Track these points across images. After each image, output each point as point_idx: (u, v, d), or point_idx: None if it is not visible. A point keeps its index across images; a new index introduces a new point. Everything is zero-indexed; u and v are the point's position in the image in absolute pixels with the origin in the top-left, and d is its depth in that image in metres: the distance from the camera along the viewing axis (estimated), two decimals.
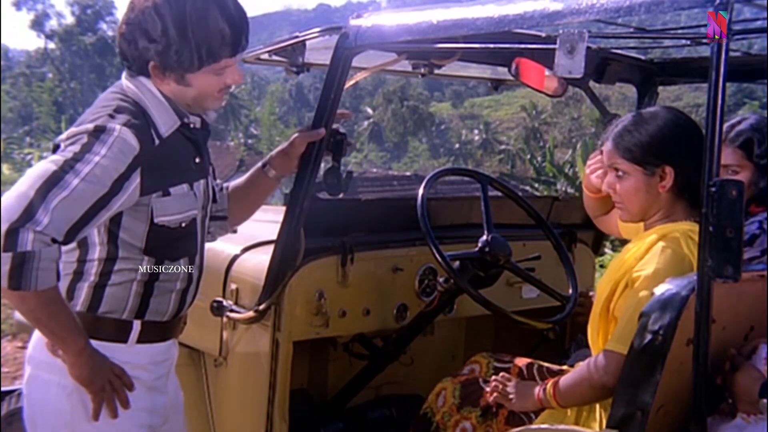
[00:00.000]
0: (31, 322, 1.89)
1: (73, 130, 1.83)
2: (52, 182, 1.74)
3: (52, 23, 53.87)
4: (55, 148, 1.83)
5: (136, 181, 1.84)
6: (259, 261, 2.41)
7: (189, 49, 1.85)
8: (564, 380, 2.05)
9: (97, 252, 1.92)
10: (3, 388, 3.23)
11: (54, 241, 1.75)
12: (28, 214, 1.70)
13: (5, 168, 28.42)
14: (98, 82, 46.14)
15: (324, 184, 2.28)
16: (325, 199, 2.37)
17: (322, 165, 2.31)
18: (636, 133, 2.03)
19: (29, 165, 30.82)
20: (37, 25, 53.81)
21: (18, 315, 3.44)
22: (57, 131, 35.67)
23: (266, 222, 2.44)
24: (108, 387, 1.92)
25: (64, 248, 1.86)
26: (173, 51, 1.85)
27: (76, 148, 1.78)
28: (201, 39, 1.85)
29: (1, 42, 49.57)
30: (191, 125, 2.00)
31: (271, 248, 2.30)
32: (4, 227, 1.69)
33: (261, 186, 2.27)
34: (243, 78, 2.02)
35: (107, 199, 1.80)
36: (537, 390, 2.11)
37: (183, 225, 1.98)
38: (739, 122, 2.49)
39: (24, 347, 6.64)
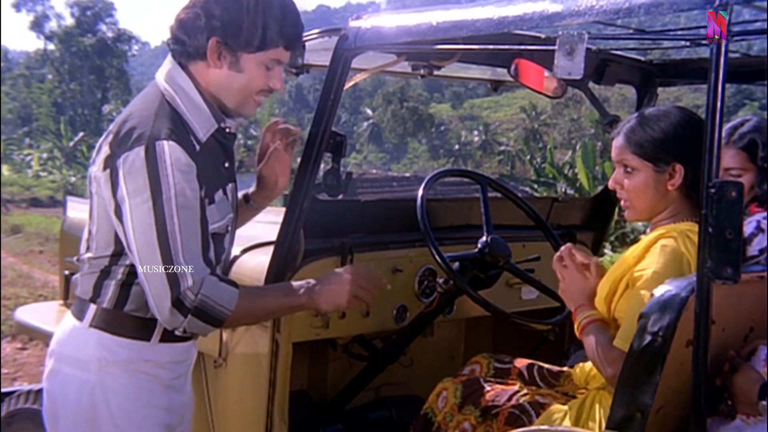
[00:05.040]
0: (263, 321, 2.25)
1: (127, 154, 1.81)
2: (163, 240, 1.81)
3: (52, 24, 53.81)
4: (106, 166, 1.84)
5: (202, 192, 1.89)
6: (259, 262, 2.41)
7: (254, 26, 1.88)
8: (588, 339, 1.99)
9: (129, 257, 1.92)
10: (3, 390, 3.23)
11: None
12: (174, 283, 1.82)
13: (5, 169, 28.43)
14: (98, 83, 46.00)
15: (324, 185, 2.28)
16: (325, 200, 2.37)
17: (322, 166, 2.31)
18: (648, 128, 2.02)
19: (29, 166, 30.90)
20: (37, 26, 53.74)
21: (17, 316, 3.43)
22: (56, 132, 35.66)
23: (266, 223, 2.44)
24: (357, 295, 2.04)
25: (95, 247, 1.94)
26: (239, 23, 1.87)
27: (144, 181, 1.79)
28: (266, 20, 1.88)
29: (1, 43, 49.64)
30: (227, 129, 2.01)
31: (270, 249, 2.30)
32: (169, 304, 1.82)
33: (243, 215, 2.27)
34: (284, 87, 2.05)
35: (204, 219, 1.88)
36: (579, 306, 2.07)
37: (228, 229, 2.03)
38: (742, 124, 2.48)
39: (24, 348, 6.65)
